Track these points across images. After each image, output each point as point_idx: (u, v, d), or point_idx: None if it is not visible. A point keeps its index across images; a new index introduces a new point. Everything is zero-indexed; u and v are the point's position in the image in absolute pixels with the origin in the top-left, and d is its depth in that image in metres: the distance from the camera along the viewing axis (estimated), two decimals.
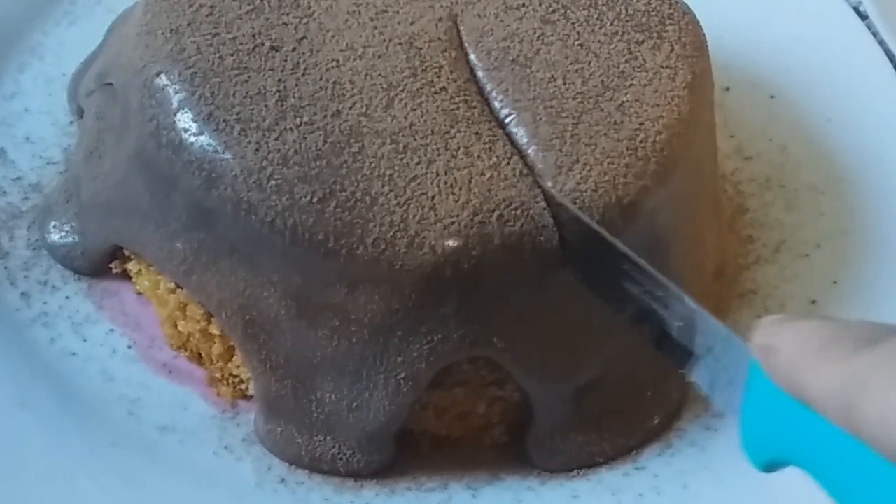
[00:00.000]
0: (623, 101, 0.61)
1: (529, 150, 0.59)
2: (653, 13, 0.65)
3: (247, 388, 0.63)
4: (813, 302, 0.68)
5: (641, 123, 0.61)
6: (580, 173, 0.59)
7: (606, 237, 0.56)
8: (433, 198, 0.57)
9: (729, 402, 0.48)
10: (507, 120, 0.60)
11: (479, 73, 0.62)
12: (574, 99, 0.61)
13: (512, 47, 0.63)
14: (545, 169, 0.59)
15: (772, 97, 0.77)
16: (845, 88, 0.77)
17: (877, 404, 0.39)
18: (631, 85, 0.62)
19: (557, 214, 0.58)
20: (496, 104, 0.61)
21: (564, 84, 0.62)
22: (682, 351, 0.53)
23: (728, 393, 0.49)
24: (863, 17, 0.80)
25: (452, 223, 0.56)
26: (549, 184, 0.58)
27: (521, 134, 0.60)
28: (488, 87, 0.62)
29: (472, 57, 0.62)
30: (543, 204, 0.58)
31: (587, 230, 0.57)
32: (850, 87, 0.77)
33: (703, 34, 0.66)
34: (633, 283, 0.55)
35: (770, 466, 0.46)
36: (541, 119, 0.60)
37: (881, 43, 0.78)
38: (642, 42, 0.64)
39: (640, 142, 0.60)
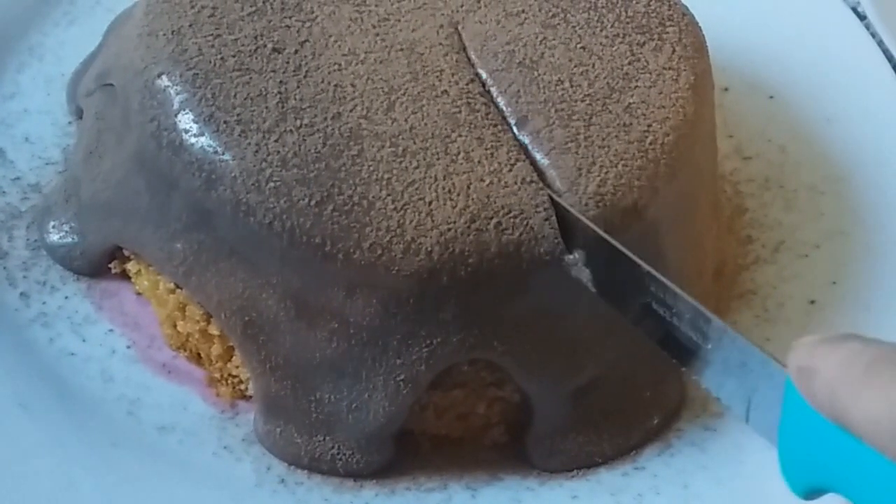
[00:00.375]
0: (630, 103, 0.61)
1: (545, 154, 0.59)
2: (652, 14, 0.65)
3: (246, 389, 0.63)
4: (812, 302, 0.68)
5: (650, 125, 0.61)
6: (599, 176, 0.59)
7: (632, 257, 0.55)
8: (430, 203, 0.57)
9: (766, 427, 0.47)
10: (517, 122, 0.60)
11: (485, 76, 0.62)
12: (583, 101, 0.61)
13: (517, 51, 0.63)
14: (563, 172, 0.59)
15: (770, 97, 0.77)
16: (844, 89, 0.77)
17: None
18: (636, 87, 0.62)
19: (571, 226, 0.58)
20: (505, 106, 0.61)
21: (571, 87, 0.62)
22: (710, 372, 0.51)
23: (765, 417, 0.47)
24: (861, 17, 0.80)
25: (449, 230, 0.56)
26: (565, 188, 0.58)
27: (536, 138, 0.60)
28: (496, 89, 0.62)
29: (477, 60, 0.62)
30: (544, 214, 0.57)
31: (607, 246, 0.56)
32: (849, 87, 0.77)
33: (703, 35, 0.66)
34: (656, 301, 0.54)
35: (811, 493, 0.44)
36: (554, 123, 0.60)
37: (880, 43, 0.78)
38: (643, 44, 0.64)
39: (650, 144, 0.60)
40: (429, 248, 0.56)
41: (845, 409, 0.41)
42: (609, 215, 0.58)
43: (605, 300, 0.57)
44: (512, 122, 0.61)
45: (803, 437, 0.44)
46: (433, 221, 0.56)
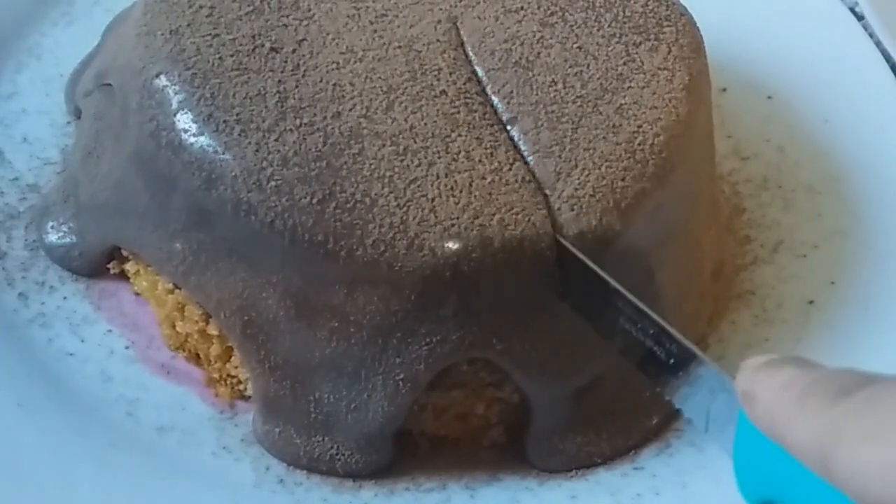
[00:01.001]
0: (621, 104, 0.62)
1: (531, 157, 0.60)
2: (650, 15, 0.65)
3: (245, 389, 0.63)
4: (810, 302, 0.68)
5: (640, 126, 0.61)
6: (578, 179, 0.59)
7: (601, 274, 0.57)
8: (433, 200, 0.57)
9: (723, 440, 0.49)
10: (507, 122, 0.61)
11: (481, 74, 0.62)
12: (574, 103, 0.61)
13: (513, 49, 0.63)
14: (544, 176, 0.59)
15: (769, 98, 0.77)
16: (842, 89, 0.77)
17: (848, 457, 0.40)
18: (629, 87, 0.62)
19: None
20: (499, 106, 0.61)
21: (564, 88, 0.62)
22: (672, 386, 0.54)
23: (722, 430, 0.49)
24: (859, 17, 0.80)
25: (452, 225, 0.56)
26: (548, 192, 0.59)
27: (522, 140, 0.60)
28: (491, 88, 0.62)
29: (475, 57, 0.63)
30: (545, 212, 0.58)
31: (582, 264, 0.57)
32: (847, 87, 0.77)
33: (700, 35, 0.66)
34: (626, 319, 0.56)
35: None
36: (542, 125, 0.60)
37: (878, 44, 0.78)
38: (640, 44, 0.64)
39: (639, 144, 0.60)
40: (432, 244, 0.56)
41: (782, 435, 0.43)
42: (585, 218, 0.58)
43: (577, 312, 0.58)
44: (504, 120, 0.61)
45: (755, 451, 0.45)
46: (437, 217, 0.57)
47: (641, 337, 0.55)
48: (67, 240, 0.66)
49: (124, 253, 0.65)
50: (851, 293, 0.69)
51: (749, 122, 0.76)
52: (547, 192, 0.59)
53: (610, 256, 0.58)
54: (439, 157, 0.58)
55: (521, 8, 0.64)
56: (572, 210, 0.58)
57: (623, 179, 0.60)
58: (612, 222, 0.59)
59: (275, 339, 0.59)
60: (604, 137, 0.60)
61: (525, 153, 0.60)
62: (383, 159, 0.58)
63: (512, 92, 0.61)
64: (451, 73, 0.62)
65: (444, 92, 0.61)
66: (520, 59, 0.63)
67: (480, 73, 0.62)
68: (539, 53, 0.63)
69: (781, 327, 0.67)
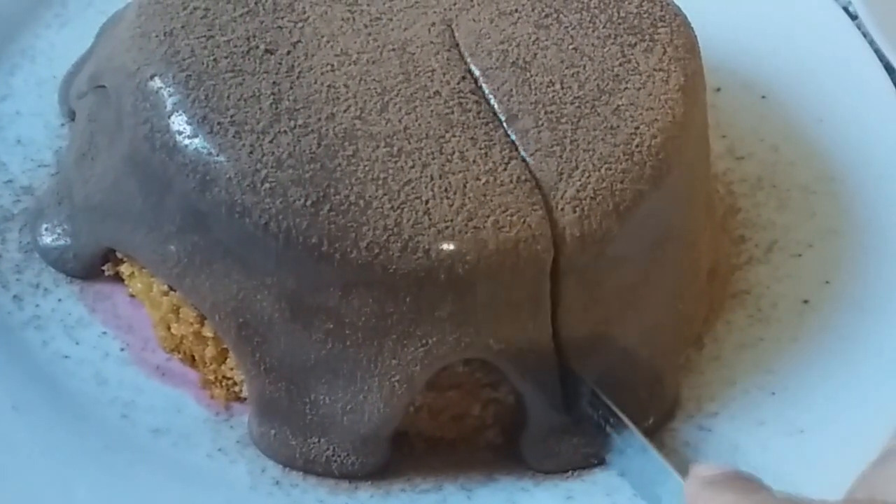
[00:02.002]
0: (618, 105, 0.62)
1: (531, 155, 0.60)
2: (644, 15, 0.65)
3: (240, 391, 0.63)
4: (805, 301, 0.68)
5: (637, 128, 0.61)
6: (579, 181, 0.59)
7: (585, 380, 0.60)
8: (427, 202, 0.57)
9: None
10: (507, 119, 0.61)
11: (478, 73, 0.62)
12: (572, 104, 0.61)
13: (510, 50, 0.63)
14: (546, 175, 0.59)
15: (763, 97, 0.77)
16: (836, 88, 0.77)
17: None
18: (625, 88, 0.62)
19: None
20: (499, 104, 0.61)
21: (562, 88, 0.62)
22: (629, 472, 0.59)
23: None
24: (852, 16, 0.80)
25: (447, 227, 0.56)
26: (546, 192, 0.59)
27: (523, 139, 0.60)
28: (489, 87, 0.62)
29: (471, 58, 0.63)
30: (542, 213, 0.58)
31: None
32: (841, 86, 0.77)
33: (695, 35, 0.66)
34: (591, 405, 0.60)
35: None
36: (542, 124, 0.60)
37: (871, 43, 0.78)
38: (635, 45, 0.64)
39: (636, 146, 0.60)
40: (426, 247, 0.56)
41: None
42: (587, 221, 0.58)
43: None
44: (503, 119, 0.61)
45: None
46: (430, 220, 0.57)
47: (602, 423, 0.59)
48: (62, 242, 0.66)
49: (119, 255, 0.65)
50: (846, 292, 0.69)
51: (743, 121, 0.76)
52: (549, 192, 0.59)
53: (608, 258, 0.58)
54: (433, 159, 0.58)
55: (516, 10, 0.64)
56: (574, 212, 0.58)
57: (622, 182, 0.60)
58: (611, 225, 0.59)
59: (270, 341, 0.59)
60: (602, 139, 0.60)
61: (526, 152, 0.60)
62: (377, 161, 0.58)
63: (511, 90, 0.61)
64: (444, 74, 0.62)
65: (437, 93, 0.61)
66: (517, 59, 0.63)
67: (477, 72, 0.62)
68: (535, 55, 0.63)
69: (776, 327, 0.67)
